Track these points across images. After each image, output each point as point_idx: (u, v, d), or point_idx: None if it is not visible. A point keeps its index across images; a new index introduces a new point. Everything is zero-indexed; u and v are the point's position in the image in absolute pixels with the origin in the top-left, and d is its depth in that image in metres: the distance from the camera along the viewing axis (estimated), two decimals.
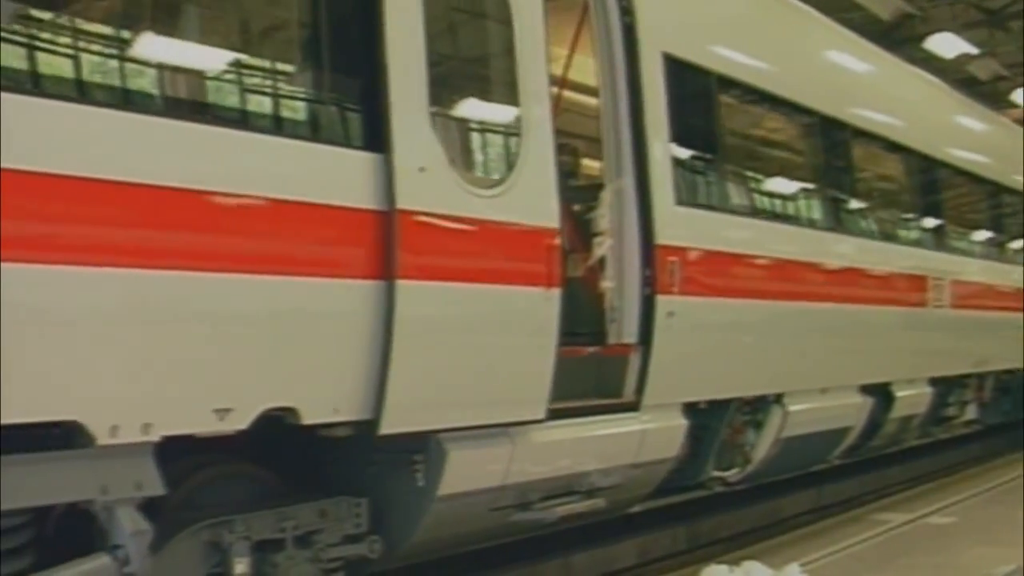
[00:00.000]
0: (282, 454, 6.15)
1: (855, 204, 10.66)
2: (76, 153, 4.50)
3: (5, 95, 4.25)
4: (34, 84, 4.60)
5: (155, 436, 4.79)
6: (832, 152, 10.27)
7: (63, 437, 4.64)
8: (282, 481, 6.12)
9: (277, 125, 5.44)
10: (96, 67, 4.92)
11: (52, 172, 4.39)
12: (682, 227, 7.74)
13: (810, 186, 10.08)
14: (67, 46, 4.76)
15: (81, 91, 4.77)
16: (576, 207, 7.79)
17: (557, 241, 6.44)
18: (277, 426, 5.41)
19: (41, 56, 4.68)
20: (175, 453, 5.04)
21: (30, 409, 4.41)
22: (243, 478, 5.98)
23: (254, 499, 5.88)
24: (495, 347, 6.23)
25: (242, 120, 5.30)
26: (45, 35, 4.74)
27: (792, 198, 9.83)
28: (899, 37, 20.13)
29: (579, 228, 7.73)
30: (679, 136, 7.82)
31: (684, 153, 8.01)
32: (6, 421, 4.30)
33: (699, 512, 10.50)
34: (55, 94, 4.61)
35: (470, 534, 6.79)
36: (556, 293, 6.40)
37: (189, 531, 5.43)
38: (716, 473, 9.01)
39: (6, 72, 4.37)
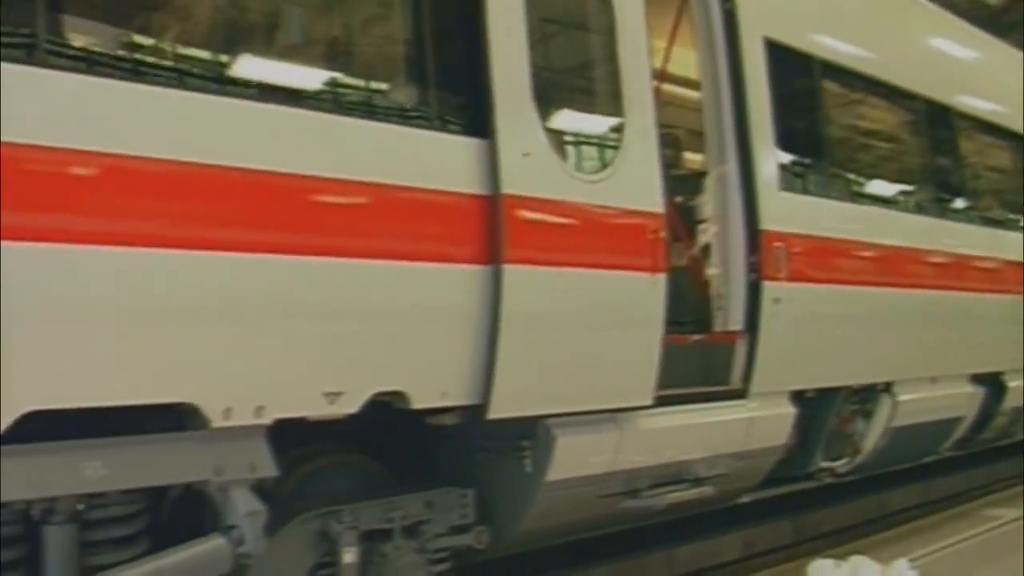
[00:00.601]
0: (389, 445, 6.17)
1: (961, 190, 10.39)
2: (207, 143, 4.61)
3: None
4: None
5: (267, 419, 4.84)
6: (937, 138, 10.02)
7: (178, 420, 4.72)
8: (389, 471, 6.15)
9: (386, 112, 5.45)
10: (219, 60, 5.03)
11: (183, 160, 4.51)
12: (787, 213, 7.62)
13: (915, 172, 9.85)
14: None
15: (220, 82, 4.87)
16: (678, 197, 7.70)
17: (662, 226, 6.39)
18: (387, 413, 5.43)
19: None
20: (286, 442, 5.06)
21: (148, 391, 4.50)
22: (351, 468, 6.03)
23: (362, 489, 5.91)
24: (602, 332, 6.19)
25: (355, 108, 5.34)
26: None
27: (897, 184, 9.60)
28: (1008, 21, 19.58)
29: (681, 218, 7.67)
30: (782, 121, 7.71)
31: (787, 138, 7.86)
32: (127, 402, 4.41)
33: (804, 505, 10.32)
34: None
35: (577, 522, 6.74)
36: (661, 278, 6.35)
37: (298, 520, 5.49)
38: (825, 464, 8.84)
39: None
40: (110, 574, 4.57)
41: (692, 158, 9.26)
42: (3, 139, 4.03)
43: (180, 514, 5.09)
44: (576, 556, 8.41)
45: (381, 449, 6.17)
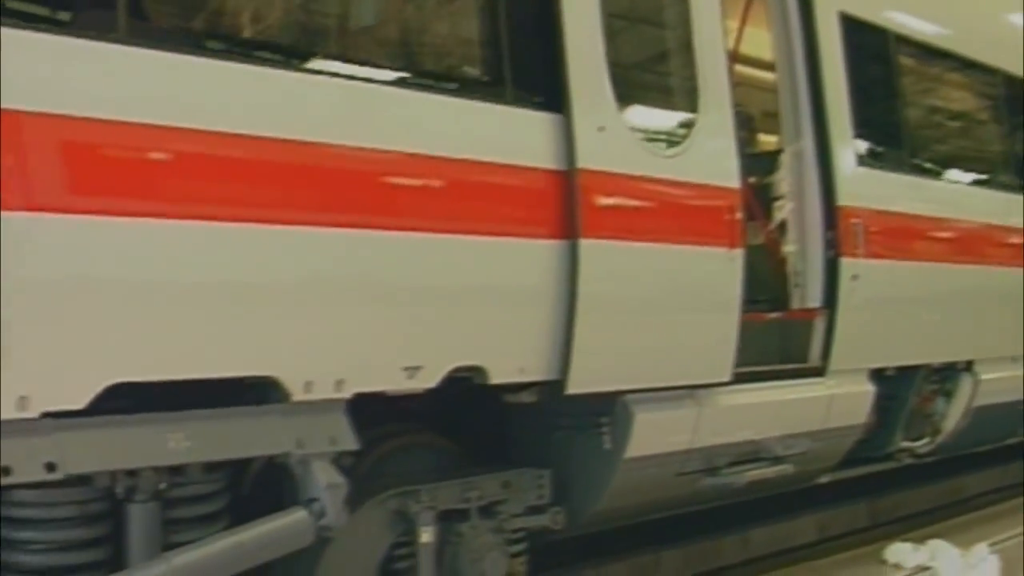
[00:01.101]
0: (466, 426, 6.18)
1: None
2: (295, 120, 4.65)
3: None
4: None
5: (347, 393, 4.86)
6: (1015, 113, 9.79)
7: (259, 394, 4.75)
8: (466, 452, 6.14)
9: (463, 88, 5.45)
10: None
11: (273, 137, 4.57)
12: (865, 188, 7.52)
13: (994, 148, 9.64)
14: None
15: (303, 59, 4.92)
16: (751, 177, 7.58)
17: (738, 201, 6.34)
18: (466, 393, 5.44)
19: None
20: (364, 422, 5.06)
21: (231, 365, 4.53)
22: (428, 448, 6.03)
23: (439, 470, 5.92)
24: (679, 307, 6.15)
25: (435, 84, 5.35)
26: None
27: (975, 160, 9.40)
28: None
29: (757, 196, 7.57)
30: (858, 96, 7.60)
31: (864, 114, 7.73)
32: (210, 375, 4.47)
33: (880, 489, 10.15)
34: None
35: (654, 501, 6.70)
36: (739, 253, 6.30)
37: (377, 500, 5.51)
38: (905, 444, 8.70)
39: None
40: (193, 547, 4.59)
41: (765, 139, 9.15)
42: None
43: (259, 494, 5.10)
44: (649, 538, 8.36)
45: (457, 430, 6.17)
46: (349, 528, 5.30)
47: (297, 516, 4.83)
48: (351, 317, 4.86)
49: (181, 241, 4.33)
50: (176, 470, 4.65)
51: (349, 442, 4.95)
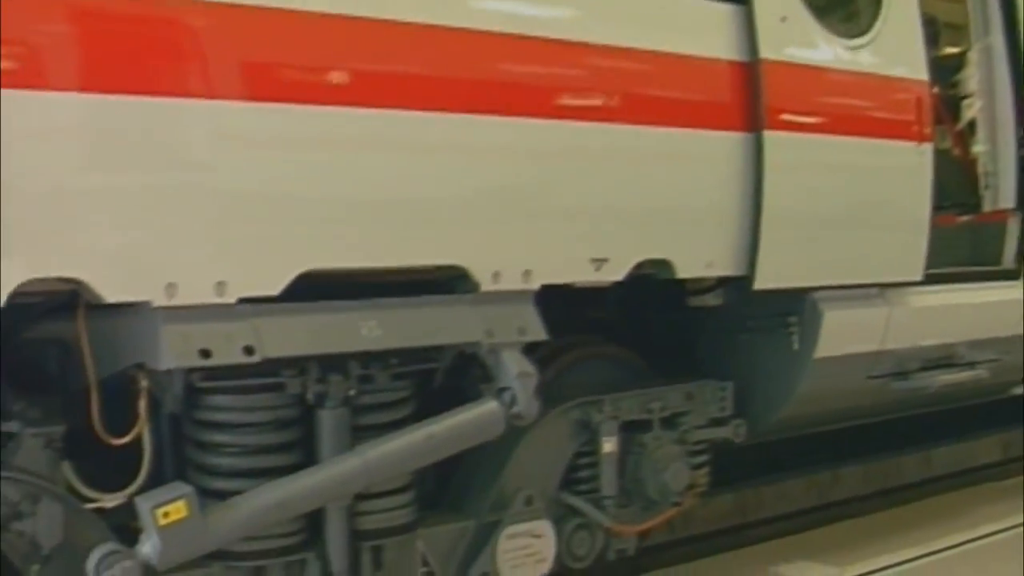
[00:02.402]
0: (648, 338, 6.13)
1: None
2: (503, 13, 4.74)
3: None
4: None
5: (535, 284, 4.85)
6: None
7: (447, 283, 4.79)
8: (648, 364, 6.09)
9: None
10: None
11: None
12: None
13: None
14: None
15: None
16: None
17: (927, 93, 6.14)
18: (648, 301, 5.38)
19: None
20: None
21: (421, 253, 4.58)
22: (611, 360, 5.99)
23: (621, 381, 5.87)
24: (868, 201, 5.99)
25: None
26: None
27: None
28: None
29: (943, 99, 7.29)
30: None
31: None
32: (403, 263, 4.54)
33: None
34: None
35: (841, 409, 6.53)
36: (928, 148, 6.12)
37: (560, 410, 5.48)
38: None
39: None
40: (385, 439, 4.62)
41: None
42: None
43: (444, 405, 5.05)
44: (830, 454, 8.20)
45: (640, 342, 6.11)
46: (533, 438, 5.33)
47: (488, 406, 4.82)
48: (539, 208, 4.84)
49: (374, 130, 4.36)
50: (365, 378, 4.68)
51: (538, 332, 4.92)
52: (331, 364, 4.61)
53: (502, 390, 4.84)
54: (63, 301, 4.26)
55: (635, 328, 6.16)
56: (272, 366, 4.48)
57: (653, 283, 5.63)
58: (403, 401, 4.86)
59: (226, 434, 4.54)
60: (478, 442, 4.94)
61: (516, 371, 4.82)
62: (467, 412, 4.81)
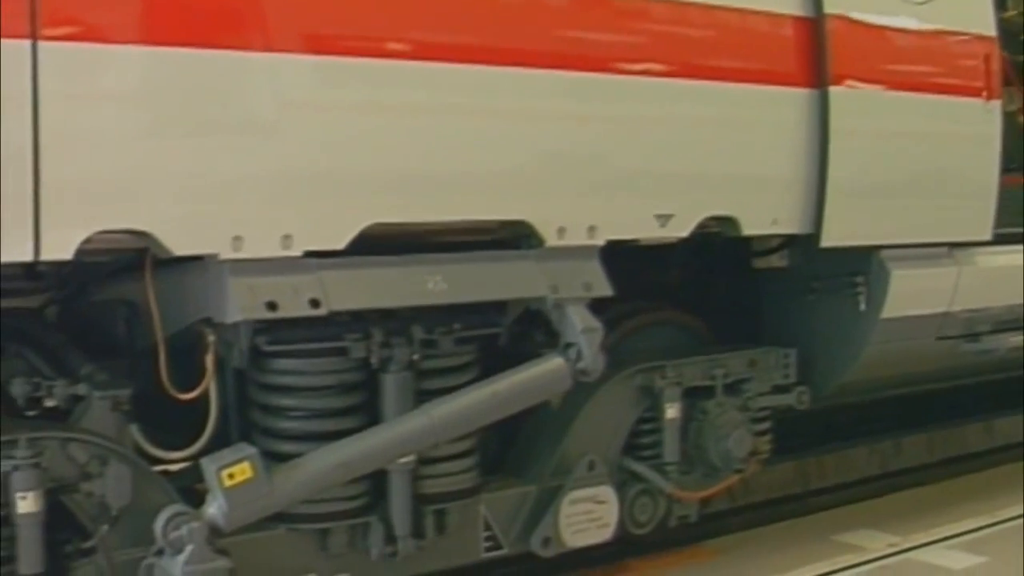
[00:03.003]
0: (711, 304, 6.12)
1: None
2: None
3: None
4: None
5: (600, 240, 4.85)
6: None
7: (512, 240, 4.80)
8: (711, 331, 6.09)
9: None
10: None
11: None
12: None
13: None
14: None
15: None
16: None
17: (995, 49, 6.03)
18: (712, 266, 5.35)
19: None
20: (610, 299, 5.01)
21: (487, 208, 4.59)
22: (674, 326, 5.98)
23: (684, 347, 5.86)
24: (936, 159, 5.91)
25: None
26: None
27: None
28: None
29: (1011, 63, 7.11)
30: None
31: None
32: (468, 217, 4.56)
33: None
34: None
35: (908, 373, 6.44)
36: (996, 105, 6.03)
37: (623, 375, 5.47)
38: None
39: None
40: (451, 397, 4.63)
41: None
42: None
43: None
44: (893, 423, 8.10)
45: (703, 307, 6.10)
46: (596, 402, 5.33)
47: (554, 362, 4.80)
48: (604, 163, 4.82)
49: (440, 86, 4.37)
50: (429, 343, 4.68)
51: (604, 288, 4.90)
52: (395, 328, 4.61)
53: (567, 346, 4.82)
54: (130, 261, 4.28)
55: (699, 293, 6.13)
56: (336, 330, 4.51)
57: (718, 246, 5.63)
58: (466, 366, 4.86)
59: (291, 398, 4.56)
60: (544, 398, 4.95)
61: (581, 326, 4.79)
62: (532, 368, 4.80)
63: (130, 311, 4.49)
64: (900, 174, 5.76)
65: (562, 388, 4.89)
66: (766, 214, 5.36)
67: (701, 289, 6.18)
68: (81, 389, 4.28)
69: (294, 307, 4.16)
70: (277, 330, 4.39)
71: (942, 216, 5.98)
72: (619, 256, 4.99)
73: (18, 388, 4.32)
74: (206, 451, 4.30)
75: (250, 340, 4.32)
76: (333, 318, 4.51)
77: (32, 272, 4.31)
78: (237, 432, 4.59)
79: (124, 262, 4.35)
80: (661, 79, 4.93)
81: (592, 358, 4.80)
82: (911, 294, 5.94)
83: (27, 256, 3.68)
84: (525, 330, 5.12)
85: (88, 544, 4.14)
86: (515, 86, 4.54)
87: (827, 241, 5.48)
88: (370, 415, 4.61)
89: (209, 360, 4.24)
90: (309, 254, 4.21)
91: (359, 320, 4.60)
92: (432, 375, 4.74)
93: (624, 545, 5.75)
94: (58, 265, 4.15)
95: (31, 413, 4.47)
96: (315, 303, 4.20)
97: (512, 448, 5.39)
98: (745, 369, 5.81)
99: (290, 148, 4.11)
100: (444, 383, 4.76)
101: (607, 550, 5.63)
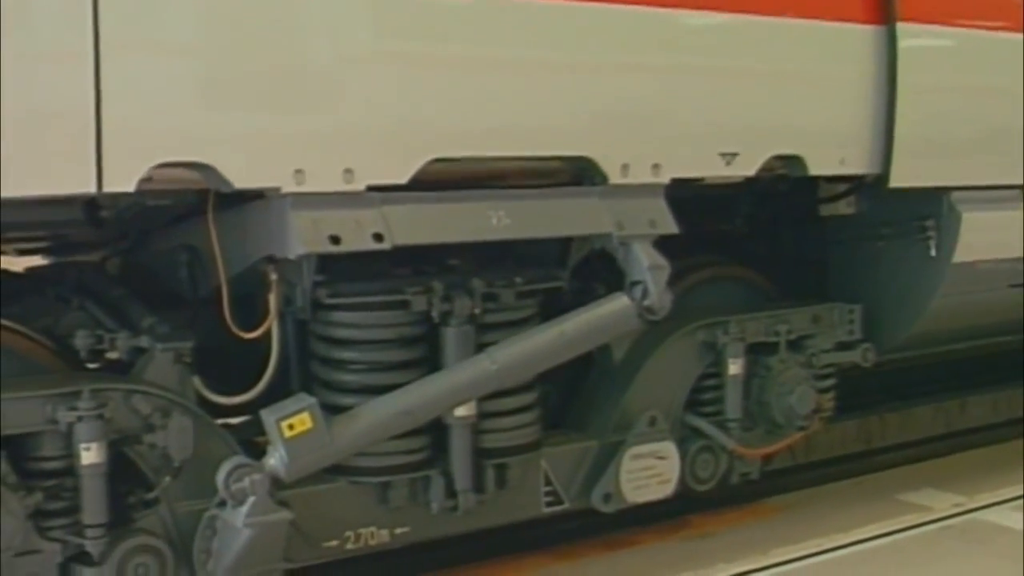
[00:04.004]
0: (774, 260, 6.07)
1: None
2: None
3: None
4: None
5: (664, 178, 4.80)
6: None
7: (575, 177, 4.78)
8: (774, 286, 6.03)
9: None
10: None
11: None
12: None
13: None
14: None
15: None
16: None
17: None
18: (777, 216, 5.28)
19: None
20: (673, 253, 4.93)
21: (550, 144, 4.55)
22: (736, 281, 5.93)
23: (748, 302, 5.82)
24: (1008, 98, 5.78)
25: None
26: None
27: None
28: None
29: None
30: None
31: None
32: (531, 153, 4.54)
33: None
34: None
35: (978, 325, 6.31)
36: None
37: (685, 331, 5.43)
38: None
39: None
40: (515, 339, 4.59)
41: None
42: None
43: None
44: (958, 383, 7.96)
45: (767, 263, 6.04)
46: (658, 357, 5.29)
47: (620, 301, 4.76)
48: (668, 99, 4.78)
49: (502, 19, 4.35)
50: (490, 296, 4.66)
51: (669, 225, 4.85)
52: (456, 282, 4.58)
53: (634, 284, 4.77)
54: (191, 207, 4.27)
55: (763, 246, 6.07)
56: (397, 283, 4.49)
57: (783, 195, 5.58)
58: (527, 320, 4.82)
59: (350, 351, 4.55)
60: (610, 338, 4.92)
61: (648, 263, 4.74)
62: (598, 308, 4.75)
63: (192, 256, 4.50)
64: (972, 114, 5.65)
65: (628, 328, 4.85)
66: (833, 153, 5.28)
67: (765, 242, 6.11)
68: (143, 341, 4.29)
69: (357, 241, 4.13)
70: (338, 283, 4.37)
71: (1015, 158, 5.83)
72: (682, 208, 4.92)
73: (81, 341, 4.34)
74: (267, 400, 4.30)
75: (312, 284, 4.30)
76: (393, 271, 4.50)
77: (94, 219, 4.31)
78: (297, 385, 4.59)
79: (185, 208, 4.35)
80: (729, 14, 4.88)
81: (658, 296, 4.75)
82: (983, 239, 5.81)
83: (90, 187, 3.67)
84: (586, 285, 5.09)
85: (151, 495, 4.17)
86: (578, 20, 4.50)
87: (896, 182, 5.38)
88: (430, 370, 4.59)
89: (272, 300, 4.23)
90: (372, 190, 4.18)
91: (420, 273, 4.59)
92: (493, 329, 4.70)
93: (685, 501, 5.72)
94: (119, 212, 4.18)
95: (93, 365, 4.48)
96: (378, 237, 4.17)
97: (573, 403, 5.36)
98: (809, 325, 5.73)
99: (351, 81, 4.10)
100: (505, 337, 4.69)
101: (667, 506, 5.60)
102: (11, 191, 3.54)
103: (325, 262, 4.28)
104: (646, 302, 4.75)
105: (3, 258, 4.85)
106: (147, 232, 4.67)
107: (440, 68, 4.26)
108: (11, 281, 4.61)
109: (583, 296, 4.95)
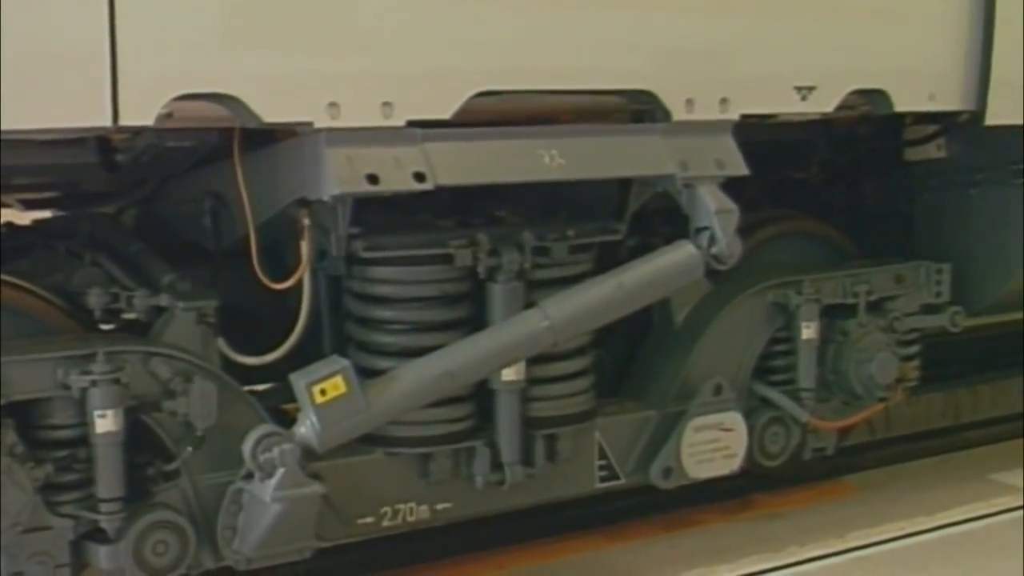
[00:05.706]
0: (853, 213, 6.01)
1: None
2: None
3: None
4: None
5: (733, 114, 4.72)
6: None
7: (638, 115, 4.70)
8: (854, 243, 5.98)
9: None
10: None
11: None
12: None
13: None
14: None
15: None
16: None
17: None
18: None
19: None
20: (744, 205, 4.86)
21: (606, 77, 4.47)
22: (812, 237, 5.87)
23: (825, 260, 5.77)
24: None
25: None
26: None
27: None
28: None
29: None
30: None
31: None
32: (586, 87, 4.46)
33: None
34: None
35: None
36: None
37: (753, 290, 5.36)
38: None
39: None
40: (569, 292, 4.53)
41: None
42: None
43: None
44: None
45: (844, 218, 5.98)
46: (723, 320, 5.24)
47: (684, 248, 4.67)
48: (735, 28, 4.68)
49: None
50: (541, 250, 4.60)
51: (738, 166, 4.75)
52: (504, 235, 4.52)
53: (699, 230, 4.68)
54: (214, 150, 4.23)
55: (840, 197, 6.00)
56: (440, 235, 4.43)
57: (864, 139, 5.55)
58: (581, 277, 4.72)
59: (389, 309, 4.50)
60: (674, 289, 4.85)
61: (715, 207, 4.64)
62: (660, 256, 4.67)
63: (216, 203, 4.45)
64: None
65: (693, 277, 4.76)
66: (921, 87, 5.17)
67: (844, 192, 6.03)
68: (163, 300, 4.25)
69: (397, 181, 4.05)
70: (375, 235, 4.32)
71: None
72: (752, 154, 4.82)
73: (95, 299, 4.31)
74: (297, 363, 4.26)
75: (347, 235, 4.23)
76: (436, 222, 4.44)
77: (109, 164, 4.27)
78: (330, 348, 4.55)
79: (209, 150, 4.29)
80: None
81: (727, 242, 4.65)
82: None
83: (105, 121, 3.60)
84: (644, 241, 5.04)
85: (171, 467, 4.13)
86: None
87: (993, 119, 5.27)
88: (475, 331, 4.51)
89: (304, 247, 4.19)
90: (412, 125, 4.11)
91: (465, 225, 4.52)
92: (544, 286, 4.62)
93: (752, 479, 5.69)
94: (136, 156, 4.13)
95: (108, 326, 4.46)
96: (420, 177, 4.09)
97: (630, 369, 5.30)
98: (891, 286, 5.65)
99: (393, 3, 4.02)
100: (554, 292, 4.61)
101: (733, 483, 5.57)
102: (12, 124, 3.47)
103: (361, 212, 4.21)
104: (713, 249, 4.65)
105: (7, 211, 4.84)
106: (167, 178, 4.64)
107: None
108: (18, 234, 4.60)
109: (641, 252, 4.85)
